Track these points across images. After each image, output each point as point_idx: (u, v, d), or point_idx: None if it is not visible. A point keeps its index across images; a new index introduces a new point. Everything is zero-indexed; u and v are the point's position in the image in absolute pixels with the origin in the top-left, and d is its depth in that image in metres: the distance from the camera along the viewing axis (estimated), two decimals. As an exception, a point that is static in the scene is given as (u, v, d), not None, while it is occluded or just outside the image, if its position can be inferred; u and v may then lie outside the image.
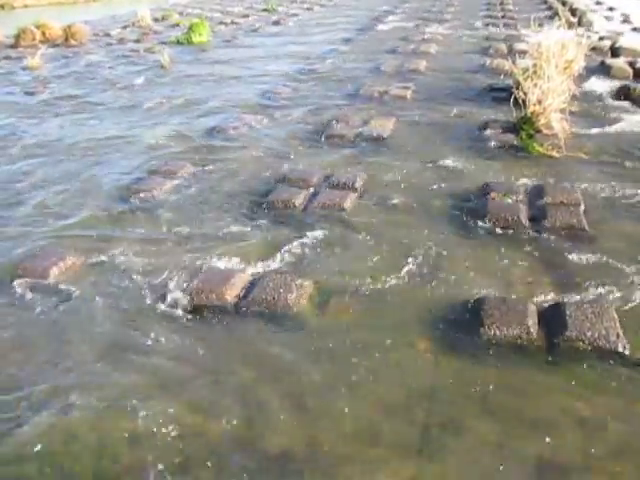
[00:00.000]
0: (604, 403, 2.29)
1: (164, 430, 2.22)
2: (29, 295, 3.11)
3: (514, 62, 5.61)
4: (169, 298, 3.00)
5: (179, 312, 2.91)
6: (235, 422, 2.25)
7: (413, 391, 2.38)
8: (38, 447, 2.16)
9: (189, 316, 2.89)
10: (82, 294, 3.11)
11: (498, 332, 2.64)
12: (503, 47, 8.81)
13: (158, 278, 3.21)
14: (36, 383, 2.49)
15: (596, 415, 2.23)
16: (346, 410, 2.29)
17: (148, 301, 3.02)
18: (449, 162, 4.63)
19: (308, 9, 15.47)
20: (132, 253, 3.48)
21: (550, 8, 13.11)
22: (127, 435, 2.20)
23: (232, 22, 13.45)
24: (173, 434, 2.20)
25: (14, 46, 11.06)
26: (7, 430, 2.25)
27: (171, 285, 3.11)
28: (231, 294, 2.99)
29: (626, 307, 2.81)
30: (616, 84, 6.53)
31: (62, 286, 3.18)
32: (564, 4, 13.78)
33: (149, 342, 2.72)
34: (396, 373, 2.48)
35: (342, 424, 2.23)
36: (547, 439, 2.13)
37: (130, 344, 2.72)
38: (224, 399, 2.37)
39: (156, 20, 14.22)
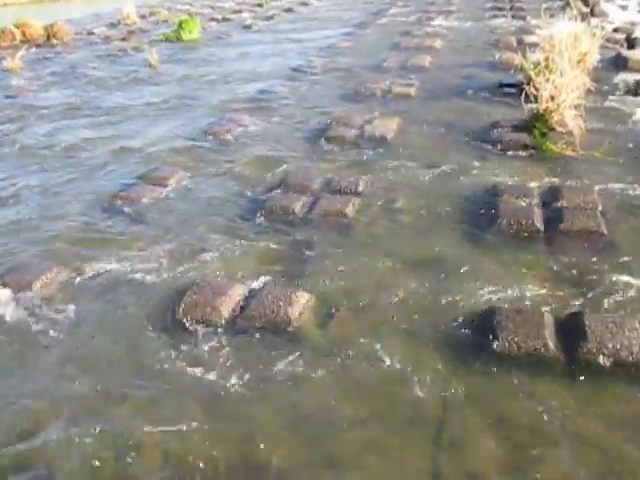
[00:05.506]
0: (623, 419, 2.29)
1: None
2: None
3: (524, 56, 5.63)
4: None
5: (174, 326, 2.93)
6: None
7: (424, 407, 2.39)
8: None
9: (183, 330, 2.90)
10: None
11: (513, 344, 2.64)
12: (512, 40, 8.85)
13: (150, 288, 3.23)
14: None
15: (616, 434, 2.24)
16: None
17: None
18: (457, 164, 4.65)
19: (303, 3, 15.56)
20: (121, 262, 3.50)
21: (561, -2, 13.19)
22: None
23: (224, 18, 13.53)
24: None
25: (-8, 47, 11.14)
26: None
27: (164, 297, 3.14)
28: (227, 308, 3.00)
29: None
30: (634, 77, 6.56)
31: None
32: (576, -7, 13.85)
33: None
34: (404, 385, 2.48)
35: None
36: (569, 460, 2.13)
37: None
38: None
39: (143, 17, 14.31)
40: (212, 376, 2.60)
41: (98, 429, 2.35)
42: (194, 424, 2.36)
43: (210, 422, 2.37)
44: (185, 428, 2.34)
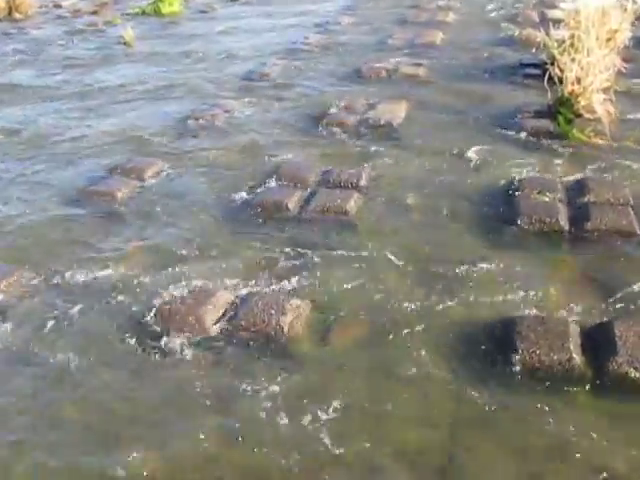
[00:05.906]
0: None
1: None
2: None
3: (547, 33, 5.65)
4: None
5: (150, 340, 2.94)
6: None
7: (432, 434, 2.40)
8: None
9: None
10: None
11: (534, 358, 2.65)
12: (533, 14, 8.87)
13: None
14: None
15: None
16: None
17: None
18: (472, 154, 4.66)
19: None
20: (93, 265, 3.51)
21: (589, -33, 13.20)
22: None
23: (209, -12, 13.53)
24: None
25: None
26: None
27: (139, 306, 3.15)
28: (212, 318, 3.00)
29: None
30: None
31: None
32: (606, -38, 13.88)
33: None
34: (414, 410, 2.49)
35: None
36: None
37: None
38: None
39: (117, -13, 14.28)
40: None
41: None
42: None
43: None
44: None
